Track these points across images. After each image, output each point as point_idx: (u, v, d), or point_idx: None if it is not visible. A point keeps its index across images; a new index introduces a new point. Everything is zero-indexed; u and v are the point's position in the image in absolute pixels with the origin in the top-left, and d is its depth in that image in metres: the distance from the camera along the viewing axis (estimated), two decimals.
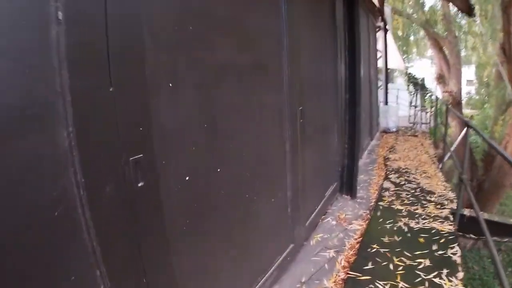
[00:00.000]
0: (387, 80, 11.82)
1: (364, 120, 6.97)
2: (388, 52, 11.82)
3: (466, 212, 3.92)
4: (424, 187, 4.68)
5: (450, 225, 3.40)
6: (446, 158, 8.74)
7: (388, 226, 3.38)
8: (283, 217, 2.60)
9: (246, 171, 1.98)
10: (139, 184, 1.21)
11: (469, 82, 22.04)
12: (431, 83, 15.40)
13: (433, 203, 4.03)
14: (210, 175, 1.63)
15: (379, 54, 11.01)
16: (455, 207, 3.88)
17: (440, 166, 6.68)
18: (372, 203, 4.09)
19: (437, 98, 9.90)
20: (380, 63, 11.31)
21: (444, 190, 4.58)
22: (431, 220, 3.52)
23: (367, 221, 3.56)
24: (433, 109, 12.15)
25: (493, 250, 2.33)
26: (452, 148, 5.56)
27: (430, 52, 21.15)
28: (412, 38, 18.07)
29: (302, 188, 2.87)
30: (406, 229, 3.30)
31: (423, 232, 3.24)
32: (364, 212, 3.85)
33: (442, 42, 12.52)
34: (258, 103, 2.06)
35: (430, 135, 10.13)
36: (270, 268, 2.42)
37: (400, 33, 16.85)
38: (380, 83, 11.48)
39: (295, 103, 2.56)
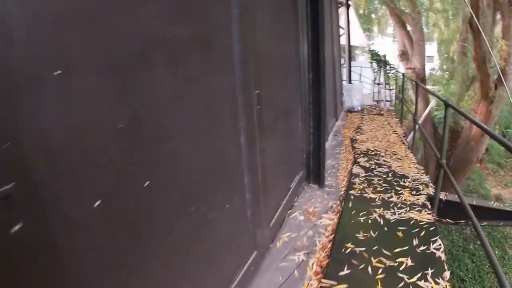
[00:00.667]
0: (351, 58, 11.64)
1: (329, 100, 6.70)
2: (351, 29, 11.61)
3: (442, 195, 3.74)
4: (396, 170, 4.46)
5: (428, 214, 3.17)
6: (410, 136, 8.74)
7: (362, 219, 3.10)
8: (242, 224, 2.22)
9: (189, 178, 1.57)
10: (14, 229, 0.79)
11: (429, 58, 22.37)
12: (393, 60, 15.41)
13: (408, 189, 3.80)
14: (135, 192, 1.20)
15: (341, 31, 10.77)
16: (432, 192, 3.68)
17: (408, 140, 6.62)
18: (342, 192, 3.81)
19: (403, 75, 9.81)
20: (343, 41, 11.09)
21: (418, 173, 4.38)
22: (408, 209, 3.28)
23: (338, 214, 3.26)
24: (396, 86, 12.16)
25: (482, 235, 2.14)
26: (417, 126, 5.40)
27: (391, 29, 21.27)
28: (373, 15, 18.02)
29: (264, 185, 2.51)
30: (382, 222, 3.03)
31: (401, 224, 2.98)
32: (334, 203, 3.56)
33: (405, 18, 12.46)
34: (200, 89, 1.62)
35: (396, 111, 10.08)
36: (231, 284, 2.06)
37: (361, 10, 16.73)
38: (343, 61, 11.28)
39: (250, 86, 2.15)
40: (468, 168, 10.28)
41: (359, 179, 4.11)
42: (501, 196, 15.61)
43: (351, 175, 4.29)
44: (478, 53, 7.96)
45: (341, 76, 9.58)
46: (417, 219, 3.05)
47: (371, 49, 16.18)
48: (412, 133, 8.68)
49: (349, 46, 11.31)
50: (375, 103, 11.91)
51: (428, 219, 3.06)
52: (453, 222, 3.82)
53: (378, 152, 5.33)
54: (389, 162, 4.81)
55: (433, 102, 11.85)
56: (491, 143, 13.10)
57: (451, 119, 12.80)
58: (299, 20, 3.51)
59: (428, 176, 4.30)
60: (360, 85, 10.29)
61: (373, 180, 4.08)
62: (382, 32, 21.57)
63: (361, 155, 5.14)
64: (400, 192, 3.72)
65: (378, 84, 12.96)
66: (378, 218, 3.11)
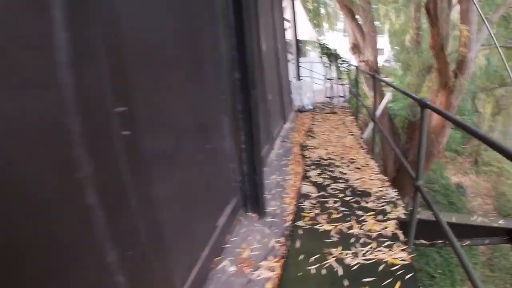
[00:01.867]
0: (299, 53, 11.00)
1: (274, 101, 5.98)
2: (298, 22, 11.01)
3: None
4: (355, 186, 3.76)
5: (402, 250, 2.47)
6: (367, 132, 8.22)
7: (313, 268, 2.32)
8: None
9: None
10: None
11: (380, 51, 22.39)
12: (345, 54, 15.05)
13: (372, 213, 3.10)
14: None
15: (287, 25, 10.12)
16: (403, 215, 3.01)
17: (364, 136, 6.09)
18: (289, 223, 3.05)
19: (356, 68, 9.31)
20: (290, 35, 10.46)
21: (382, 186, 3.71)
22: (374, 245, 2.55)
23: (282, 261, 2.49)
24: (349, 80, 11.70)
25: (462, 256, 1.86)
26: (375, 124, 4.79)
27: (341, 25, 21.14)
28: (322, 10, 17.66)
29: (158, 245, 1.68)
30: (340, 271, 2.27)
31: (366, 271, 2.24)
32: (278, 242, 2.77)
33: (356, 10, 12.08)
34: None
35: (351, 107, 9.57)
36: None
37: (310, 5, 16.29)
38: (290, 57, 10.65)
39: (100, 102, 1.31)
40: (430, 161, 10.01)
41: (310, 202, 3.35)
42: (462, 184, 16.06)
43: (300, 195, 3.54)
44: (435, 41, 7.54)
45: (288, 73, 8.90)
46: (387, 262, 2.34)
47: (320, 43, 15.69)
48: (368, 128, 8.21)
49: (297, 40, 10.68)
50: (328, 99, 11.39)
51: (403, 259, 2.35)
52: (428, 243, 3.19)
53: (333, 161, 4.64)
54: (346, 174, 4.12)
55: (388, 94, 11.49)
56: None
57: (409, 112, 12.59)
58: (217, 3, 2.70)
59: (395, 190, 3.65)
60: (311, 82, 9.68)
61: (328, 202, 3.34)
62: (332, 27, 21.45)
63: (313, 167, 4.41)
64: (363, 218, 3.00)
65: (330, 79, 12.46)
66: (335, 264, 2.35)
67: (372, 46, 11.84)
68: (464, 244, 3.29)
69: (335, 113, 8.45)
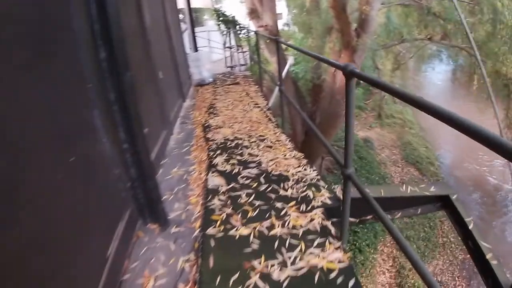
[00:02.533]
0: (193, 22, 10.19)
1: (168, 79, 5.32)
2: None
3: (337, 190, 2.79)
4: (269, 169, 3.33)
5: (337, 248, 2.11)
6: (273, 99, 7.92)
7: None
8: None
9: None
10: None
11: (278, 15, 22.23)
12: (243, 21, 14.53)
13: (294, 202, 2.71)
14: None
15: None
16: (327, 199, 2.67)
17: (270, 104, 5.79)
18: (197, 232, 2.53)
19: (256, 34, 8.86)
20: (182, 3, 9.62)
21: (299, 166, 3.34)
22: (303, 246, 2.15)
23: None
24: (249, 47, 11.27)
25: (393, 230, 1.64)
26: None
27: None
28: None
29: None
30: None
31: (299, 286, 1.87)
32: (187, 261, 2.25)
33: None
34: None
35: (253, 75, 9.18)
36: None
37: None
38: (185, 27, 9.86)
39: None
40: (338, 122, 10.01)
41: (220, 199, 2.85)
42: (368, 137, 16.68)
43: (208, 192, 3.03)
44: (336, 1, 7.33)
45: (183, 45, 8.17)
46: (322, 267, 1.96)
47: (215, 9, 14.90)
48: (273, 96, 7.90)
49: (190, 8, 9.87)
50: (229, 69, 10.88)
51: (340, 261, 1.99)
52: (357, 220, 2.90)
53: (240, 141, 4.17)
54: (258, 156, 3.68)
55: (290, 58, 11.28)
56: None
57: (313, 74, 12.56)
58: None
59: (314, 168, 3.30)
60: (208, 53, 9.08)
61: (240, 196, 2.86)
62: None
63: (218, 151, 3.90)
64: (284, 212, 2.59)
65: (230, 47, 11.92)
66: (261, 284, 1.91)
67: (270, 10, 11.42)
68: (396, 217, 3.08)
69: (237, 83, 7.99)
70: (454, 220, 2.88)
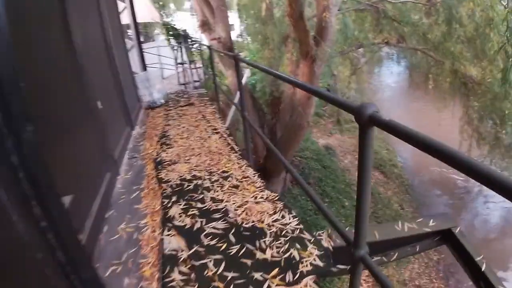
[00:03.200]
0: (140, 38, 9.46)
1: (111, 107, 4.66)
2: (138, 3, 9.49)
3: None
4: (239, 221, 2.71)
5: None
6: (230, 117, 7.35)
7: None
8: None
9: None
10: None
11: (231, 26, 21.79)
12: (196, 34, 13.93)
13: (277, 270, 2.11)
14: None
15: (122, 6, 8.54)
16: (318, 259, 2.13)
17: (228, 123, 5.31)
18: None
19: (209, 48, 8.31)
20: (128, 18, 8.89)
21: (275, 213, 2.76)
22: None
23: None
24: (203, 62, 10.66)
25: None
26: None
27: (188, 4, 19.90)
28: None
29: None
30: None
31: None
32: None
33: None
34: None
35: (208, 90, 8.57)
36: None
37: None
38: (131, 44, 9.14)
39: None
40: (301, 134, 9.56)
41: (181, 272, 2.20)
42: (330, 145, 16.48)
43: (164, 259, 2.39)
44: (294, 8, 6.88)
45: (130, 64, 7.47)
46: None
47: (164, 22, 14.12)
48: (230, 114, 7.32)
49: (136, 24, 9.14)
50: (182, 87, 10.21)
51: None
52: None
53: (200, 182, 3.52)
54: (223, 202, 3.04)
55: (247, 71, 10.74)
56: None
57: (272, 86, 12.07)
58: None
59: (293, 214, 2.73)
60: (158, 71, 8.36)
61: (207, 266, 2.22)
62: (179, 7, 20.20)
63: (174, 197, 3.23)
64: (266, 286, 2.00)
65: (182, 63, 11.24)
66: None
67: (223, 22, 10.88)
68: (392, 259, 2.57)
69: (192, 104, 7.35)
70: (459, 256, 2.43)
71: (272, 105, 12.04)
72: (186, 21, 19.01)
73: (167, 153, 4.51)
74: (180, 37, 12.35)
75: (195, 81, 10.88)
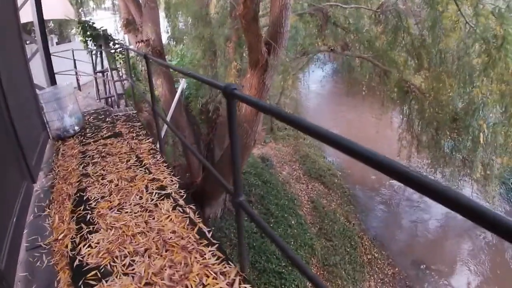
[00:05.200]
0: (47, 41, 7.34)
1: None
2: None
3: None
4: None
5: None
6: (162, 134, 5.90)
7: None
8: None
9: None
10: None
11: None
12: (119, 36, 11.90)
13: None
14: None
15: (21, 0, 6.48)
16: None
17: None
18: None
19: (127, 50, 6.63)
20: (31, 15, 6.83)
21: None
22: None
23: None
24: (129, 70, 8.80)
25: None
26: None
27: (109, 2, 17.96)
28: None
29: None
30: None
31: None
32: None
33: None
34: None
35: (141, 121, 6.84)
36: None
37: None
38: (34, 48, 7.07)
39: None
40: (247, 153, 8.69)
41: None
42: (266, 155, 16.15)
43: None
44: (248, 7, 5.68)
45: (30, 77, 5.51)
46: None
47: (81, 21, 11.78)
48: (162, 132, 5.81)
49: (42, 22, 7.04)
50: (103, 104, 8.27)
51: None
52: None
53: None
54: None
55: (183, 82, 9.12)
56: None
57: (207, 98, 10.60)
58: None
59: None
60: (71, 85, 6.34)
61: None
62: (99, 5, 17.99)
63: None
64: None
65: (102, 72, 9.27)
66: None
67: (152, 21, 9.35)
68: None
69: (119, 134, 5.55)
70: None
71: (208, 119, 11.44)
72: (108, 21, 16.81)
73: (90, 246, 2.79)
74: (100, 39, 10.35)
75: (120, 94, 9.01)
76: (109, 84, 9.70)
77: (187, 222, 2.99)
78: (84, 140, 5.46)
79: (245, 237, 9.74)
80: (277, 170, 15.36)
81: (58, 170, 4.46)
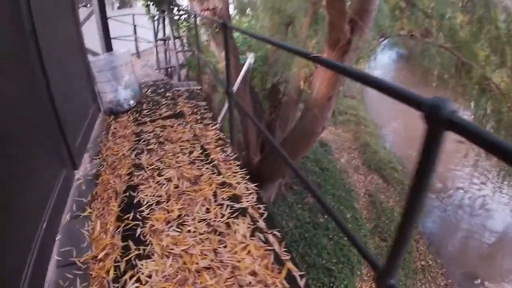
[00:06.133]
0: (103, 2, 6.62)
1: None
2: None
3: None
4: None
5: None
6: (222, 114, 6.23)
7: None
8: None
9: None
10: None
11: None
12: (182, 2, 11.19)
13: None
14: None
15: None
16: None
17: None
18: None
19: (195, 17, 5.95)
20: None
21: None
22: None
23: None
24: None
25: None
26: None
27: None
28: None
29: None
30: None
31: None
32: None
33: None
34: None
35: (202, 88, 6.10)
36: None
37: None
38: (88, 12, 6.42)
39: None
40: (312, 140, 7.89)
41: None
42: (325, 140, 15.45)
43: None
44: None
45: (81, 42, 4.83)
46: None
47: None
48: (224, 110, 6.18)
49: None
50: (164, 76, 7.57)
51: None
52: None
53: None
54: None
55: (251, 56, 8.27)
56: None
57: (272, 74, 9.88)
58: None
59: None
60: (128, 54, 5.57)
61: None
62: None
63: None
64: None
65: (164, 40, 8.56)
66: None
67: None
68: None
69: (180, 115, 4.78)
70: None
71: (271, 97, 10.87)
72: None
73: (139, 281, 2.02)
74: (164, 4, 9.62)
75: (181, 65, 8.28)
76: (169, 53, 8.98)
77: (271, 259, 2.14)
78: (139, 118, 4.75)
79: (297, 226, 9.12)
80: (335, 157, 14.71)
81: (106, 154, 3.77)
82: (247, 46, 11.43)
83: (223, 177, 3.07)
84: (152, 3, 9.90)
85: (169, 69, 8.87)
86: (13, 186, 2.16)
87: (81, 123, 4.04)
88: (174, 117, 4.66)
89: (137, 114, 4.91)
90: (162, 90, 6.06)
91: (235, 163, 3.34)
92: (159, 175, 3.18)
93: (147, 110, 5.05)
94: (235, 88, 7.17)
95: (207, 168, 3.24)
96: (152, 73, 7.59)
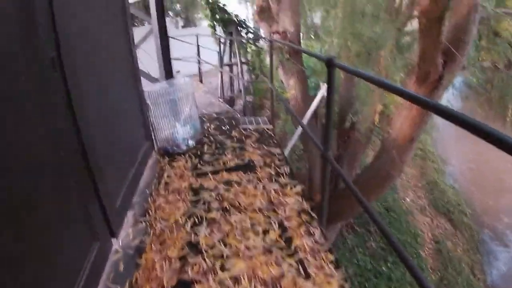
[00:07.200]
0: (164, 21, 6.00)
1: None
2: None
3: None
4: None
5: None
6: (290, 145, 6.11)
7: None
8: None
9: None
10: None
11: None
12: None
13: None
14: None
15: None
16: None
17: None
18: None
19: (270, 43, 5.24)
20: None
21: None
22: None
23: None
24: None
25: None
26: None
27: None
28: None
29: None
30: None
31: None
32: None
33: None
34: None
35: (273, 128, 5.31)
36: None
37: None
38: (145, 31, 5.84)
39: None
40: (387, 184, 7.23)
41: None
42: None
43: None
44: (437, 2, 4.49)
45: (136, 67, 4.11)
46: None
47: (208, 2, 10.57)
48: (292, 140, 6.13)
49: (161, 3, 5.76)
50: (228, 107, 6.86)
51: None
52: None
53: None
54: None
55: (323, 88, 7.44)
56: None
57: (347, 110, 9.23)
58: None
59: None
60: (190, 85, 4.83)
61: None
62: None
63: None
64: None
65: (230, 65, 7.90)
66: None
67: (292, 9, 7.95)
68: None
69: (251, 167, 3.94)
70: None
71: (339, 129, 10.27)
72: (233, 6, 15.76)
73: None
74: (232, 25, 9.01)
75: (246, 91, 7.55)
76: (232, 80, 8.33)
77: None
78: (199, 166, 3.96)
79: (356, 273, 8.24)
80: (400, 195, 13.81)
81: (155, 218, 2.97)
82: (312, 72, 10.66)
83: (312, 284, 2.17)
84: (218, 23, 9.34)
85: (232, 100, 8.20)
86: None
87: (125, 172, 3.28)
88: (242, 169, 3.83)
89: (197, 160, 4.13)
90: (227, 126, 5.31)
91: (329, 259, 2.42)
92: (222, 268, 2.32)
93: (208, 155, 4.26)
94: (305, 119, 6.41)
95: (290, 265, 2.34)
96: (215, 102, 6.93)
